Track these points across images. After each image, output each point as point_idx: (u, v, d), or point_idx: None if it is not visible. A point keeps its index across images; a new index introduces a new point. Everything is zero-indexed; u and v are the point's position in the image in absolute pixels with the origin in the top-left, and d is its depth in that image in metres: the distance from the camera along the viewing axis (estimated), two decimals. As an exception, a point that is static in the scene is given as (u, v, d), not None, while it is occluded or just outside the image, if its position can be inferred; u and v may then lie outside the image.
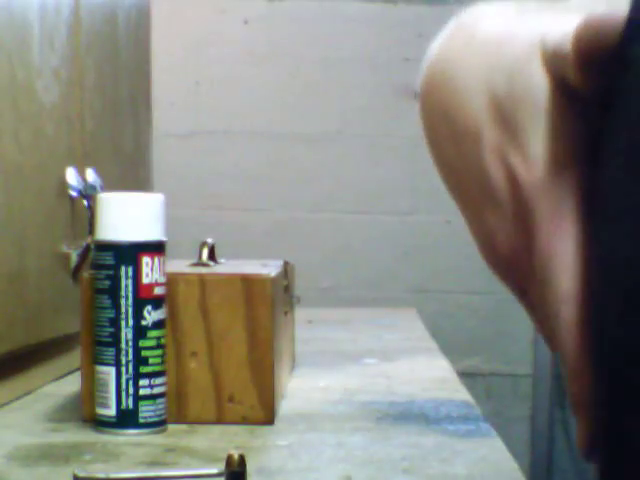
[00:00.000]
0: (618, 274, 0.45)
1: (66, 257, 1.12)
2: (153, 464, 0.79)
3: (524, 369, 2.53)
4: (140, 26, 1.49)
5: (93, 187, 1.16)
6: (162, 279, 0.88)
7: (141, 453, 0.82)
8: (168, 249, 0.90)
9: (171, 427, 0.89)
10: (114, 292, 0.87)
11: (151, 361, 0.87)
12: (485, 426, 0.94)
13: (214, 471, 0.72)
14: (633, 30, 0.46)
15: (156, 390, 0.88)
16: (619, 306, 0.45)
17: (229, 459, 0.71)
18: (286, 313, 1.09)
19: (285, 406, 1.00)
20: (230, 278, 0.93)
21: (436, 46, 0.55)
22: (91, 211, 1.10)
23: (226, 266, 1.00)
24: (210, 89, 2.40)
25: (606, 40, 0.46)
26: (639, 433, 0.44)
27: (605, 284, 0.46)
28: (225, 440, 0.86)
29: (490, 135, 0.50)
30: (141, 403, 0.87)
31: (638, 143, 0.45)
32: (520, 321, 2.53)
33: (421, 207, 2.49)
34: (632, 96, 0.45)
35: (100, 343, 0.87)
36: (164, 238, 0.89)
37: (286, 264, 1.10)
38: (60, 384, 1.10)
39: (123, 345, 0.86)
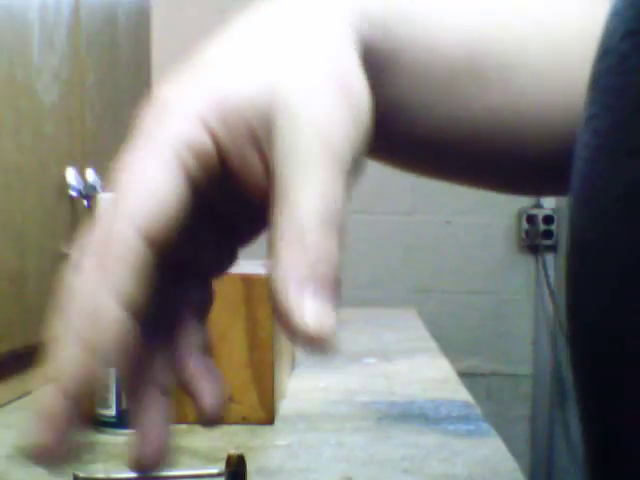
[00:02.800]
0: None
1: (66, 257, 1.12)
2: (153, 464, 0.79)
3: (524, 369, 2.53)
4: (140, 26, 1.49)
5: (93, 187, 1.16)
6: (162, 279, 0.88)
7: (141, 453, 0.82)
8: (168, 249, 0.90)
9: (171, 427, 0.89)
10: (114, 292, 0.87)
11: (151, 361, 0.87)
12: (485, 426, 0.94)
13: (214, 471, 0.72)
14: None
15: (156, 390, 0.88)
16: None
17: (229, 459, 0.71)
18: (286, 313, 1.09)
19: (285, 406, 1.00)
20: (230, 278, 0.92)
21: None
22: (91, 211, 1.10)
23: (226, 266, 1.00)
24: (210, 89, 2.40)
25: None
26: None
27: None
28: (225, 440, 0.86)
29: None
30: (141, 403, 0.87)
31: None
32: (520, 321, 2.53)
33: (421, 207, 2.49)
34: None
35: (100, 343, 0.87)
36: (164, 238, 0.89)
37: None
38: (60, 384, 1.10)
39: (123, 345, 0.86)
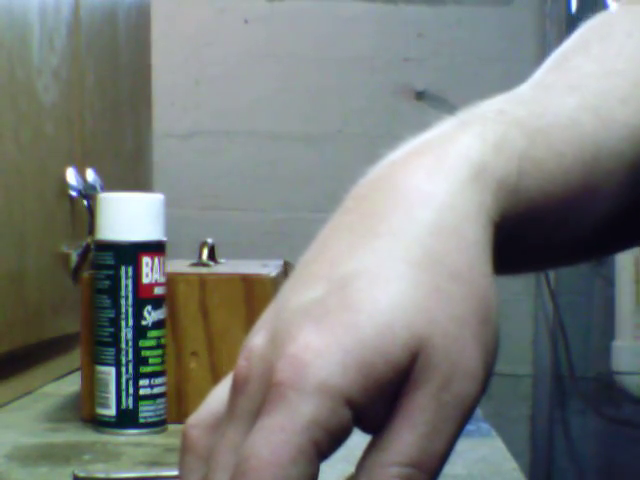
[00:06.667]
0: None
1: (66, 257, 1.12)
2: (153, 464, 0.79)
3: (524, 369, 2.53)
4: (140, 26, 1.49)
5: (93, 187, 1.16)
6: (162, 279, 0.88)
7: (141, 453, 0.82)
8: (168, 249, 0.90)
9: (171, 427, 0.89)
10: (114, 292, 0.87)
11: (151, 361, 0.87)
12: (485, 426, 0.94)
13: (214, 471, 0.72)
14: None
15: (156, 390, 0.88)
16: None
17: (229, 459, 0.71)
18: (286, 313, 1.09)
19: (285, 406, 1.00)
20: (230, 278, 0.92)
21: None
22: (91, 211, 1.10)
23: (226, 266, 1.00)
24: (210, 89, 2.40)
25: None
26: None
27: None
28: (225, 440, 0.86)
29: None
30: (141, 403, 0.87)
31: None
32: (520, 321, 2.53)
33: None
34: None
35: (100, 343, 0.87)
36: (164, 238, 0.89)
37: (286, 264, 1.10)
38: (60, 384, 1.10)
39: (123, 345, 0.86)
